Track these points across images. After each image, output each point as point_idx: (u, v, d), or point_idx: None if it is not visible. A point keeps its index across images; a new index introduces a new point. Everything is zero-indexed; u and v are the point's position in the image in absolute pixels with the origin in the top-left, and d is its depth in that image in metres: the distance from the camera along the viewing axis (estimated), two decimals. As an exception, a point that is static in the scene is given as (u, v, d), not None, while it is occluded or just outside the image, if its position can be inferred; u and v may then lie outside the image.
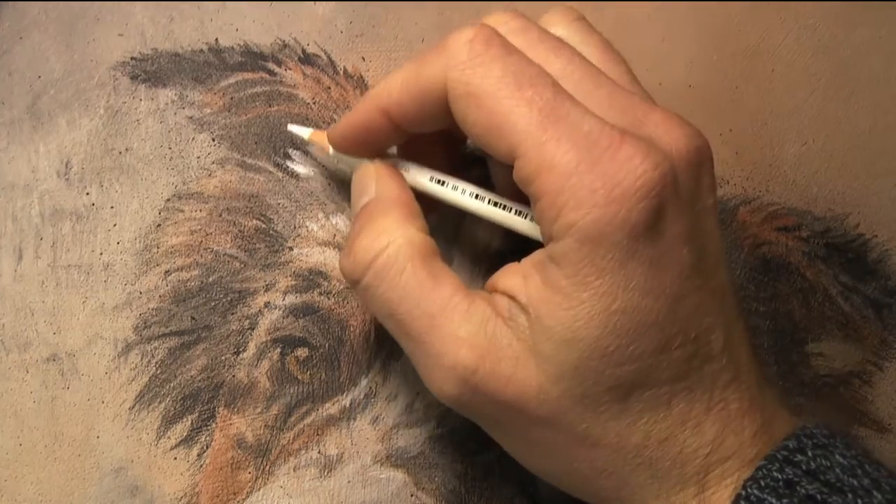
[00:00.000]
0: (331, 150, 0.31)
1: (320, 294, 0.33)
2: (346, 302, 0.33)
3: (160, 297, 0.33)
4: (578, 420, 0.24)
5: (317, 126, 0.34)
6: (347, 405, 0.33)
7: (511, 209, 0.27)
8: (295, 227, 0.33)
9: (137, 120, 0.33)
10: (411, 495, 0.32)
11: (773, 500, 0.23)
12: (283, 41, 0.34)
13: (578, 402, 0.24)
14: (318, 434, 0.32)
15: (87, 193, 0.33)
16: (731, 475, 0.24)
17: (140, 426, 0.32)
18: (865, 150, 0.36)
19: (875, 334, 0.35)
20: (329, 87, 0.34)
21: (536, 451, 0.26)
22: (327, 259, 0.33)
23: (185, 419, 0.32)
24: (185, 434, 0.32)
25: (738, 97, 0.36)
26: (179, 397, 0.32)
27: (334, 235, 0.33)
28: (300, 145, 0.34)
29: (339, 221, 0.34)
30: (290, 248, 0.33)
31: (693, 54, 0.36)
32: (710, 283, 0.25)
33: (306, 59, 0.34)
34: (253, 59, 0.34)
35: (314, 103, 0.34)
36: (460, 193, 0.28)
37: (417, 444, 0.32)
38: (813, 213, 0.36)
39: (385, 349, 0.33)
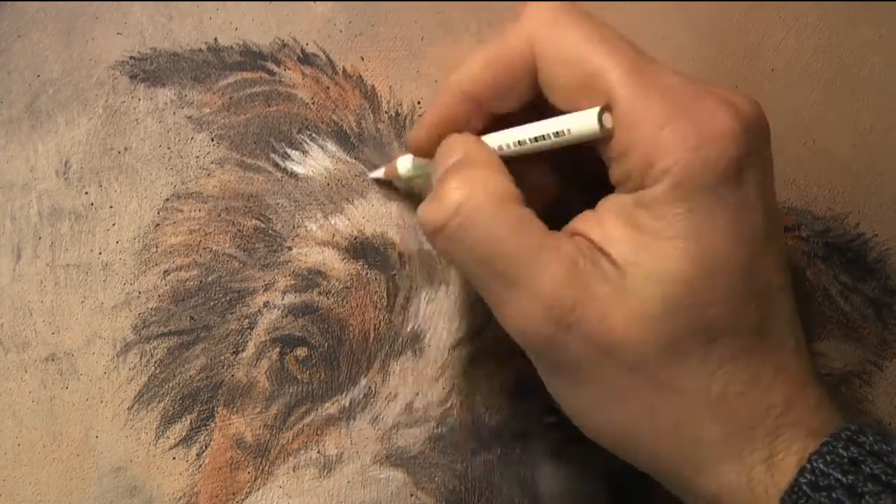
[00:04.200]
0: (407, 166, 0.31)
1: (319, 294, 0.33)
2: (345, 301, 0.33)
3: (159, 296, 0.33)
4: (664, 363, 0.24)
5: (316, 126, 0.34)
6: (347, 405, 0.32)
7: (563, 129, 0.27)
8: (294, 227, 0.33)
9: (136, 119, 0.33)
10: (411, 495, 0.32)
11: (839, 475, 0.23)
12: (282, 41, 0.34)
13: (666, 343, 0.24)
14: (317, 434, 0.32)
15: (86, 193, 0.33)
16: (797, 442, 0.25)
17: (139, 426, 0.32)
18: (865, 150, 0.36)
19: (875, 334, 0.35)
20: (328, 87, 0.34)
21: (615, 403, 0.26)
22: (326, 259, 0.33)
23: (184, 419, 0.32)
24: (184, 434, 0.32)
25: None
26: (178, 397, 0.32)
27: (333, 235, 0.33)
28: (299, 145, 0.34)
29: (338, 221, 0.33)
30: (289, 248, 0.33)
31: (693, 53, 0.36)
32: (778, 247, 0.26)
33: (305, 58, 0.34)
34: (252, 58, 0.34)
35: (313, 103, 0.34)
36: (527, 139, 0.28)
37: (417, 443, 0.32)
38: (813, 213, 0.36)
39: (384, 348, 0.33)
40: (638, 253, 0.24)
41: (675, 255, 0.24)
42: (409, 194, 0.34)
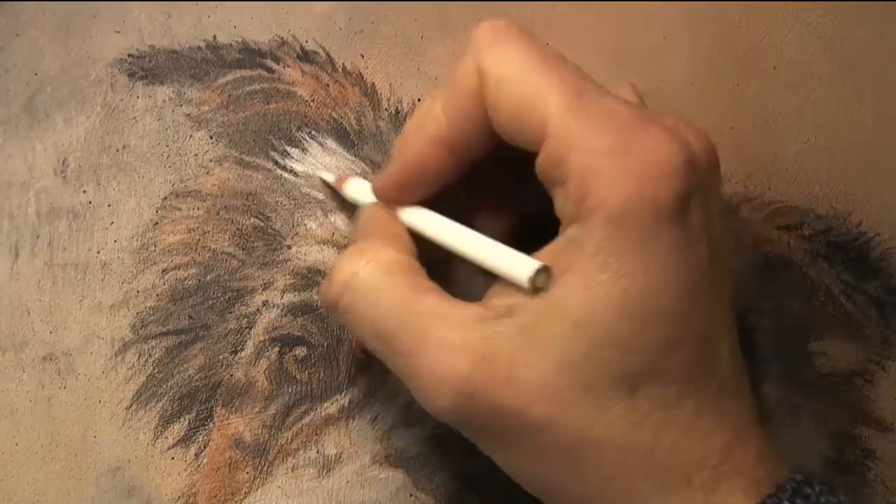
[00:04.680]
0: (353, 194, 0.31)
1: (319, 293, 0.33)
2: (344, 301, 0.33)
3: (157, 295, 0.32)
4: (584, 417, 0.23)
5: (315, 124, 0.33)
6: (346, 404, 0.32)
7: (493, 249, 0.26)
8: (293, 226, 0.33)
9: (135, 117, 0.33)
10: (410, 495, 0.32)
11: None
12: (282, 38, 0.34)
13: (585, 394, 0.23)
14: (316, 434, 0.32)
15: (84, 191, 0.33)
16: (738, 494, 0.23)
17: (137, 426, 0.32)
18: (868, 148, 0.36)
19: (877, 333, 0.35)
20: (328, 85, 0.34)
21: (539, 462, 0.24)
22: (326, 257, 0.33)
23: (182, 419, 0.32)
24: (182, 434, 0.32)
25: (740, 95, 0.36)
26: (177, 397, 0.32)
27: (333, 234, 0.33)
28: (298, 143, 0.34)
29: (338, 220, 0.33)
30: (289, 247, 0.33)
31: (694, 52, 0.36)
32: (720, 288, 0.24)
33: (305, 56, 0.34)
34: (251, 56, 0.34)
35: (313, 100, 0.34)
36: (442, 232, 0.27)
37: (417, 443, 0.32)
38: (815, 212, 0.36)
39: (384, 348, 0.33)
40: (566, 296, 0.23)
41: (602, 300, 0.22)
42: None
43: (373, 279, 0.25)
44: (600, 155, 0.23)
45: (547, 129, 0.23)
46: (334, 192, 0.33)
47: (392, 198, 0.28)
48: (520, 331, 0.23)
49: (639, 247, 0.22)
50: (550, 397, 0.23)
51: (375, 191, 0.29)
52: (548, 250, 0.24)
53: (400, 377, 0.25)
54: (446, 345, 0.23)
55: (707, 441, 0.23)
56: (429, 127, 0.26)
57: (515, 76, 0.24)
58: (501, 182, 0.29)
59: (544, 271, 0.24)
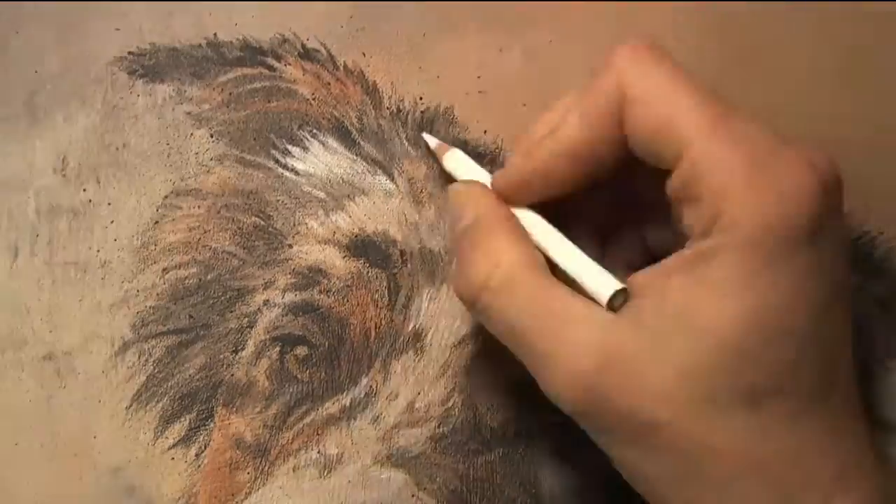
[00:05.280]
0: (453, 164, 0.31)
1: (320, 292, 0.33)
2: (345, 300, 0.33)
3: (158, 294, 0.32)
4: (704, 424, 0.23)
5: (317, 122, 0.33)
6: (348, 404, 0.32)
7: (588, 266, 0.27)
8: (294, 225, 0.33)
9: (135, 115, 0.33)
10: (412, 495, 0.32)
11: None
12: (283, 36, 0.34)
13: (707, 403, 0.23)
14: (317, 434, 0.32)
15: (84, 190, 0.33)
16: None
17: (137, 426, 0.32)
18: (870, 148, 0.36)
19: (882, 333, 0.35)
20: (329, 83, 0.34)
21: (654, 462, 0.25)
22: (327, 256, 0.33)
23: (183, 418, 0.32)
24: (183, 434, 0.32)
25: (743, 93, 0.36)
26: (177, 396, 0.32)
27: (334, 233, 0.33)
28: (300, 142, 0.33)
29: (339, 218, 0.33)
30: (290, 246, 0.33)
31: (697, 50, 0.36)
32: (843, 311, 0.25)
33: (306, 54, 0.34)
34: (252, 54, 0.34)
35: (314, 99, 0.34)
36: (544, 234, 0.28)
37: (419, 443, 0.32)
38: (818, 211, 0.35)
39: (385, 347, 0.33)
40: (694, 307, 0.24)
41: (732, 314, 0.23)
42: (413, 192, 0.34)
43: (509, 278, 0.26)
44: (738, 175, 0.23)
45: (685, 149, 0.24)
46: (335, 193, 0.33)
47: (510, 196, 0.29)
48: (648, 335, 0.24)
49: (771, 266, 0.23)
50: (672, 402, 0.23)
51: (496, 185, 0.29)
52: (675, 262, 0.25)
53: (531, 371, 0.26)
54: (578, 344, 0.24)
55: (824, 457, 0.24)
56: (562, 136, 0.27)
57: (658, 96, 0.25)
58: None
59: (622, 293, 0.25)
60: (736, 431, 0.23)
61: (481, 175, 0.31)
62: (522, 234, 0.28)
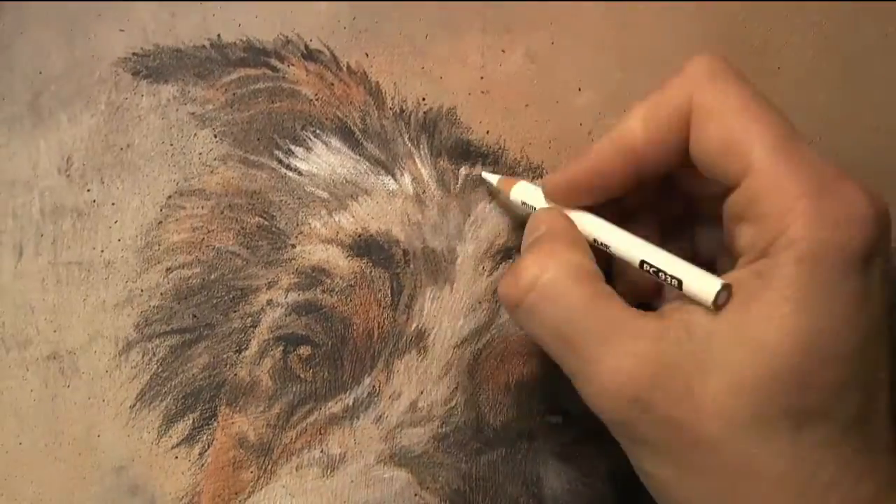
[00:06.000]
0: (522, 196, 0.31)
1: (323, 292, 0.33)
2: (349, 299, 0.33)
3: (161, 294, 0.32)
4: (749, 442, 0.24)
5: (320, 123, 0.33)
6: (350, 404, 0.32)
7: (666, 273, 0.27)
8: (297, 225, 0.33)
9: (139, 116, 0.33)
10: (415, 495, 0.32)
11: None
12: (286, 37, 0.34)
13: (754, 421, 0.24)
14: (320, 433, 0.32)
15: (88, 190, 0.33)
16: None
17: (141, 425, 0.32)
18: (871, 148, 0.36)
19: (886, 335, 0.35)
20: (332, 84, 0.34)
21: (692, 479, 0.25)
22: (330, 256, 0.33)
23: (186, 418, 0.32)
24: (186, 433, 0.32)
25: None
26: (181, 396, 0.32)
27: (337, 233, 0.33)
28: (303, 142, 0.34)
29: (342, 219, 0.33)
30: (293, 246, 0.33)
31: (698, 52, 0.36)
32: (887, 338, 0.25)
33: (309, 54, 0.34)
34: (255, 54, 0.34)
35: (317, 99, 0.34)
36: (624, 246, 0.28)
37: (421, 443, 0.32)
38: (819, 211, 0.36)
39: (388, 347, 0.33)
40: (749, 323, 0.24)
41: (784, 331, 0.23)
42: (415, 192, 0.34)
43: (559, 282, 0.26)
44: (799, 198, 0.24)
45: (751, 168, 0.25)
46: (338, 193, 0.33)
47: (561, 197, 0.29)
48: (700, 349, 0.24)
49: (826, 288, 0.23)
50: (721, 418, 0.24)
51: (546, 185, 0.29)
52: (731, 278, 0.25)
53: (572, 377, 0.26)
54: (628, 353, 0.25)
55: (860, 482, 0.24)
56: (622, 134, 0.27)
57: (727, 114, 0.25)
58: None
59: (726, 289, 0.25)
60: (778, 453, 0.24)
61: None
62: (582, 244, 0.28)
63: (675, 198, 0.30)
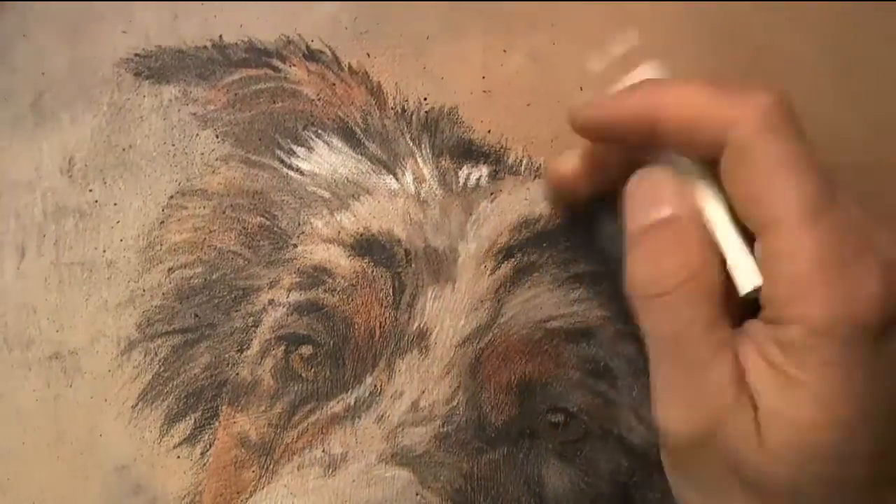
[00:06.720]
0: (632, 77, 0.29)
1: (325, 291, 0.33)
2: (350, 299, 0.33)
3: (163, 294, 0.32)
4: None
5: (322, 123, 0.34)
6: (352, 403, 0.32)
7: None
8: (299, 224, 0.33)
9: (141, 117, 0.33)
10: (416, 494, 0.32)
11: None
12: (288, 37, 0.34)
13: (793, 489, 0.24)
14: (322, 432, 0.32)
15: (90, 190, 0.33)
16: None
17: (143, 424, 0.32)
18: (872, 149, 0.36)
19: None
20: (334, 84, 0.34)
21: None
22: (332, 256, 0.33)
23: (188, 417, 0.32)
24: (188, 432, 0.32)
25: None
26: (183, 395, 0.32)
27: (339, 232, 0.33)
28: (304, 142, 0.34)
29: (344, 218, 0.33)
30: (295, 245, 0.33)
31: (699, 53, 0.36)
32: None
33: (311, 55, 0.34)
34: (257, 55, 0.34)
35: (318, 99, 0.34)
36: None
37: (423, 442, 0.32)
38: (820, 210, 0.36)
39: (390, 346, 0.33)
40: (776, 395, 0.24)
41: (810, 404, 0.24)
42: (417, 191, 0.34)
43: (704, 291, 0.26)
44: (815, 268, 0.24)
45: (773, 228, 0.25)
46: (339, 193, 0.33)
47: (580, 126, 0.29)
48: (752, 412, 0.25)
49: (842, 361, 0.24)
50: (764, 483, 0.24)
51: (577, 110, 0.29)
52: (752, 338, 0.26)
53: (659, 387, 0.27)
54: (720, 384, 0.25)
55: None
56: (664, 105, 0.27)
57: (769, 167, 0.25)
58: None
59: (758, 291, 0.25)
60: None
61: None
62: (712, 243, 0.27)
63: None
